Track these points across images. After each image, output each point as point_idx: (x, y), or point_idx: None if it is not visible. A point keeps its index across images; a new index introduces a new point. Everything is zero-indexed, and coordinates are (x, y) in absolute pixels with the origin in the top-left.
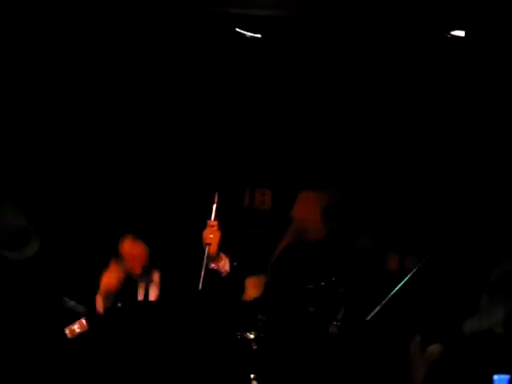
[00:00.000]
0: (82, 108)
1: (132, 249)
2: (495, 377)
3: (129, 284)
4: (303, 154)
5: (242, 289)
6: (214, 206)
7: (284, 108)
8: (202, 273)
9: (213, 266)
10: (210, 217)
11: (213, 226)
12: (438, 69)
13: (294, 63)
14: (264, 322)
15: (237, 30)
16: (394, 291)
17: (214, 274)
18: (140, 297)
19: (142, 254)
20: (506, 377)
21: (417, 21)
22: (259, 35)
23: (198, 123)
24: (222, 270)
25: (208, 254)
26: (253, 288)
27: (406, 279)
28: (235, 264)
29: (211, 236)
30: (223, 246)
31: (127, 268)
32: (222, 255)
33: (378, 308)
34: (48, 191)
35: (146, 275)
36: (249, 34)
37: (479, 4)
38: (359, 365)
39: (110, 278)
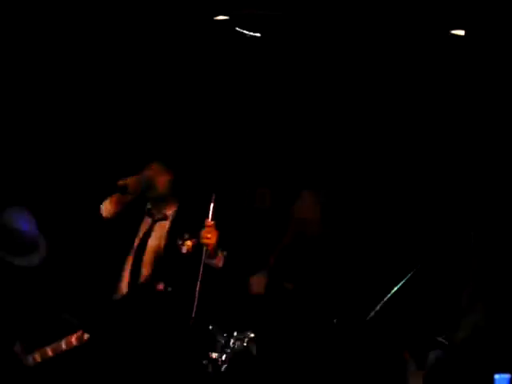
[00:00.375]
0: (84, 109)
1: (158, 169)
2: (496, 376)
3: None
4: (302, 154)
5: (235, 284)
6: (212, 206)
7: (283, 108)
8: (201, 270)
9: (207, 261)
10: (208, 217)
11: (210, 226)
12: (437, 68)
13: (294, 63)
14: (262, 322)
15: (237, 30)
16: (394, 291)
17: (208, 268)
18: (140, 233)
19: (166, 177)
20: (506, 376)
21: (414, 20)
22: (259, 35)
23: (198, 123)
24: (215, 266)
25: (206, 253)
26: (257, 286)
27: (404, 279)
28: (225, 254)
29: (209, 236)
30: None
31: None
32: (219, 253)
33: (377, 307)
34: (57, 197)
35: (158, 205)
36: (249, 33)
37: (479, 4)
38: (359, 365)
39: (130, 178)
